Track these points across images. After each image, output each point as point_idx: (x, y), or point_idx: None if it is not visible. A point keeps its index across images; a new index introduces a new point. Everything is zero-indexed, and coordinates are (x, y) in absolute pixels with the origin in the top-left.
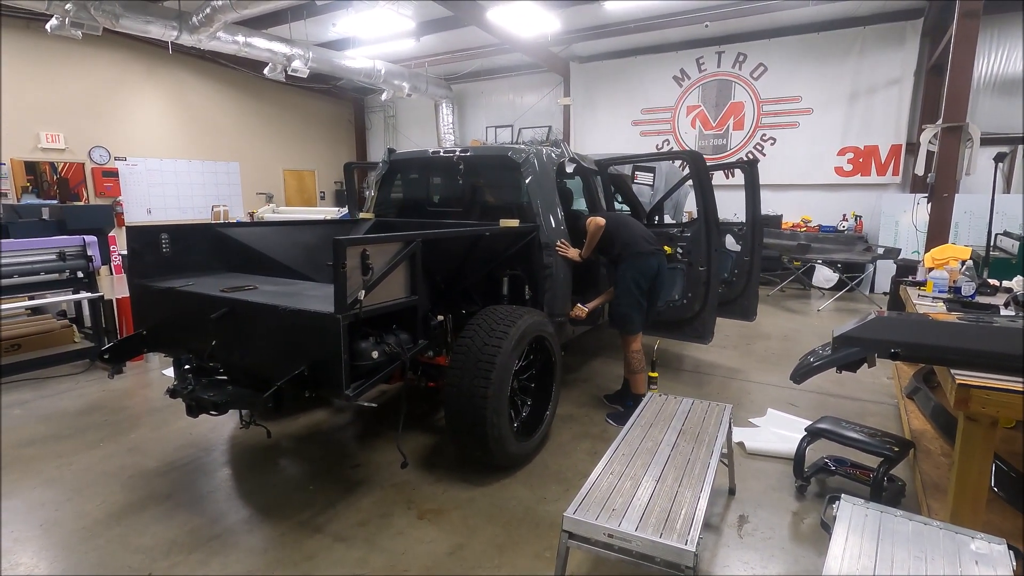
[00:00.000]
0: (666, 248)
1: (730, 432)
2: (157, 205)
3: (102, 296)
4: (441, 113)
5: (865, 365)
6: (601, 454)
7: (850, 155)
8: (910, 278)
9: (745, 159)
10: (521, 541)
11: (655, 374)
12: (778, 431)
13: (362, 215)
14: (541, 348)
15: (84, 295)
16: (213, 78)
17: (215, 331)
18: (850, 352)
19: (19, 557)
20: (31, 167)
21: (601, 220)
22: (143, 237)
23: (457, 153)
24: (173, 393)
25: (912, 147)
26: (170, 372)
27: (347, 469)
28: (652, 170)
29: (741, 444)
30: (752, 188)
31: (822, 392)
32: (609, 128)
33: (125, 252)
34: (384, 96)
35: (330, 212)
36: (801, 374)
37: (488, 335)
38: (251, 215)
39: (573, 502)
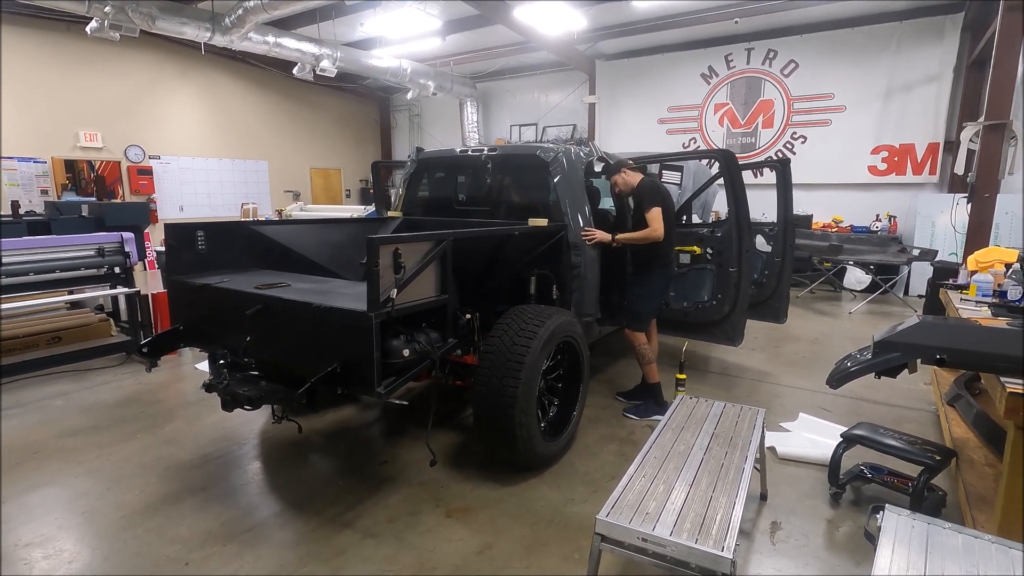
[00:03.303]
0: (695, 248)
1: (763, 437)
2: (189, 202)
3: (138, 291)
4: (466, 112)
5: (906, 371)
6: (629, 457)
7: (884, 154)
8: (951, 281)
9: (774, 158)
10: (549, 542)
11: (683, 376)
12: (810, 436)
13: (390, 214)
14: (569, 348)
15: (121, 290)
16: (243, 78)
17: (249, 327)
18: (891, 357)
19: (63, 544)
20: (70, 165)
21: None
22: (180, 234)
23: (485, 152)
24: (209, 387)
25: (951, 145)
26: (202, 367)
27: (375, 466)
28: (680, 169)
29: (772, 449)
30: (784, 188)
31: (856, 397)
32: (634, 126)
33: (159, 248)
34: (409, 95)
35: (356, 210)
36: (838, 379)
37: (517, 335)
38: (279, 213)
39: (605, 505)
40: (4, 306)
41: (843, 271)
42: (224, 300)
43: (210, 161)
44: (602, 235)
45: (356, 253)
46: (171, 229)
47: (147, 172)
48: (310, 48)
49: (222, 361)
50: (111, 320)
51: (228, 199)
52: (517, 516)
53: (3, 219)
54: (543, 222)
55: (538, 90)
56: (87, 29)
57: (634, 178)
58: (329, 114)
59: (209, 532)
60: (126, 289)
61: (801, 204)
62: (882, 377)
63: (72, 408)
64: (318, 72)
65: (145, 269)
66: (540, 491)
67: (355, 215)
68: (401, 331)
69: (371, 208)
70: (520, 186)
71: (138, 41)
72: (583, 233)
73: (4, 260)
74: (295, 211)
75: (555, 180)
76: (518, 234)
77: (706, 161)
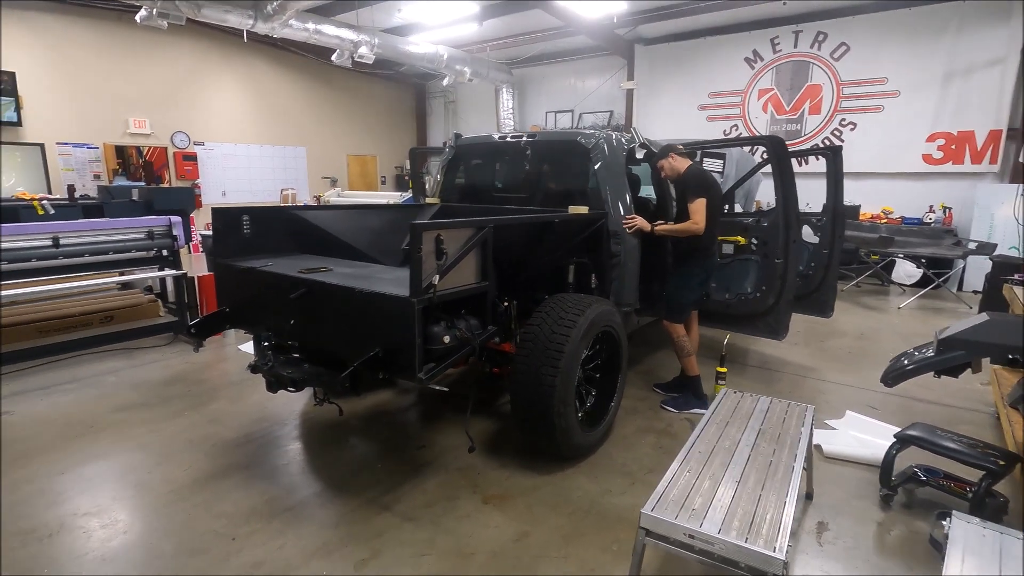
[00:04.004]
0: (739, 238)
1: (810, 435)
2: (231, 188)
3: (185, 273)
4: (501, 98)
5: (969, 370)
6: (667, 450)
7: (940, 141)
8: (1016, 276)
9: (821, 145)
10: (587, 533)
11: (724, 369)
12: (858, 435)
13: (428, 200)
14: (608, 338)
15: (170, 272)
16: (283, 65)
17: (293, 310)
18: (954, 355)
19: (117, 515)
20: (120, 151)
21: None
22: (226, 218)
23: (524, 138)
24: (254, 369)
25: (1014, 133)
26: (245, 348)
27: (412, 450)
28: (722, 156)
29: (818, 447)
30: (835, 176)
31: (906, 396)
32: (673, 113)
33: (204, 232)
34: (445, 81)
35: (392, 196)
36: (894, 376)
37: (557, 323)
38: (317, 199)
39: (650, 499)
40: (60, 286)
41: (891, 264)
42: (269, 283)
43: (251, 147)
44: (643, 223)
45: (395, 239)
46: (218, 214)
47: (192, 158)
48: (349, 35)
49: (266, 343)
50: (159, 301)
51: (268, 185)
52: (554, 505)
53: (60, 202)
54: (583, 209)
55: (574, 76)
56: (136, 17)
57: (682, 164)
58: (366, 101)
59: (253, 509)
60: (174, 271)
61: (848, 194)
62: (942, 376)
63: (124, 385)
64: (356, 58)
65: (190, 252)
66: (577, 481)
67: (392, 201)
68: (442, 317)
69: (407, 194)
70: (560, 173)
71: (183, 29)
72: (624, 221)
73: (61, 241)
74: (333, 197)
75: (596, 167)
76: (558, 222)
77: (749, 148)
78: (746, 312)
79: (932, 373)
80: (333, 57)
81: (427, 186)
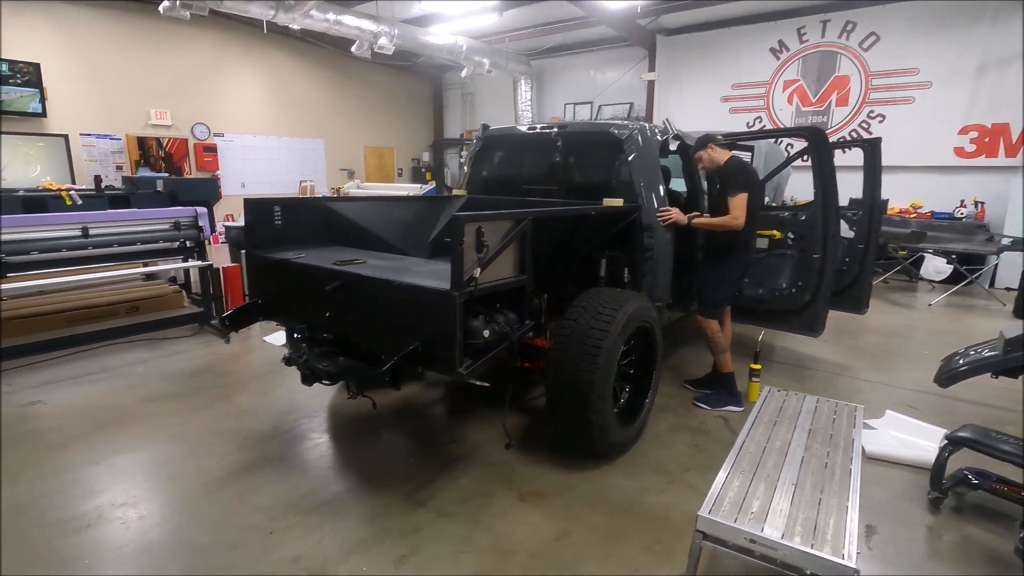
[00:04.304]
0: (775, 233)
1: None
2: (250, 179)
3: (211, 264)
4: (520, 90)
5: None
6: (703, 448)
7: (974, 134)
8: None
9: (847, 138)
10: (628, 532)
11: (758, 366)
12: (899, 435)
13: (455, 192)
14: (644, 334)
15: (196, 263)
16: (301, 57)
17: (328, 303)
18: (1018, 355)
19: (153, 506)
20: (141, 142)
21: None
22: (258, 210)
23: (555, 129)
24: (289, 361)
25: None
26: (270, 339)
27: (443, 445)
28: (750, 149)
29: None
30: (873, 169)
31: (945, 396)
32: (695, 105)
33: (227, 224)
34: (464, 73)
35: (412, 189)
36: (949, 377)
37: (594, 318)
38: (336, 191)
39: (705, 501)
40: (90, 276)
41: (920, 260)
42: (303, 275)
43: (270, 139)
44: (679, 215)
45: (422, 231)
46: (251, 205)
47: (212, 149)
48: (369, 25)
49: (298, 335)
50: (183, 292)
51: (286, 176)
52: (591, 504)
53: (87, 192)
54: (619, 202)
55: (594, 67)
56: (160, 8)
57: (722, 156)
58: (383, 93)
59: (289, 502)
60: (200, 262)
61: None
62: (999, 377)
63: (152, 375)
64: (376, 49)
65: (210, 244)
66: (613, 479)
67: (412, 193)
68: (481, 311)
69: (428, 186)
70: (591, 165)
71: (205, 20)
72: (659, 213)
73: (90, 232)
74: (352, 189)
75: (630, 158)
76: (594, 214)
77: (775, 140)
78: (781, 308)
79: (990, 374)
80: (353, 48)
81: (448, 178)
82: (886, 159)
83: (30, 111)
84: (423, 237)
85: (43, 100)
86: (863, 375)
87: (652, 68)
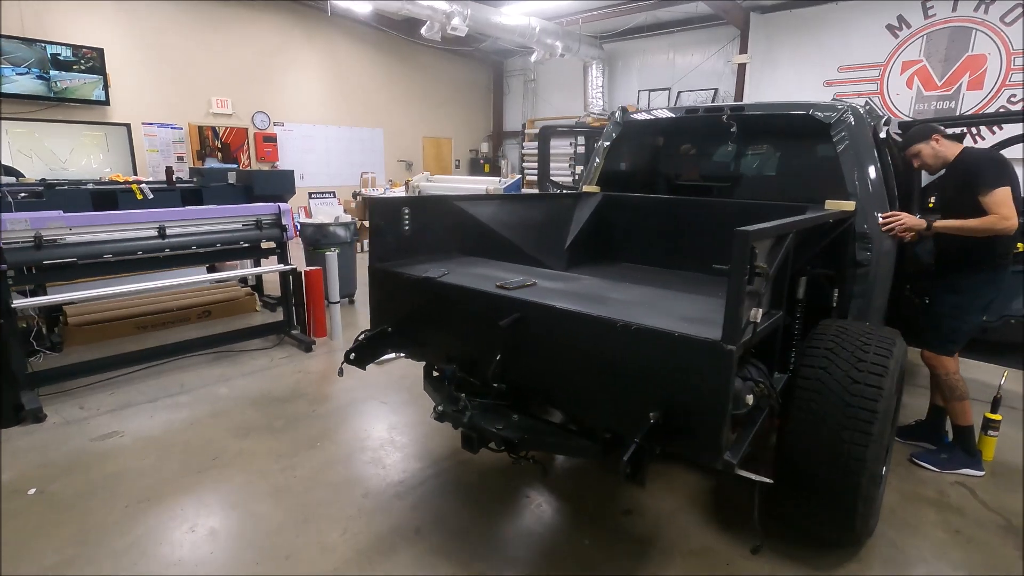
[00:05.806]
0: (1018, 245)
1: None
2: (310, 171)
3: (295, 268)
4: (590, 75)
5: None
6: (969, 537)
7: None
8: None
9: None
10: None
11: (998, 416)
12: None
13: (585, 188)
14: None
15: (278, 267)
16: (362, 42)
17: (494, 339)
18: None
19: None
20: (199, 132)
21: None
22: (386, 212)
23: (728, 112)
24: (441, 416)
25: None
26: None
27: (618, 516)
28: (959, 139)
29: None
30: None
31: None
32: (792, 90)
33: (302, 220)
34: (533, 57)
35: (490, 182)
36: None
37: (856, 368)
38: (405, 184)
39: None
40: (167, 283)
41: None
42: (453, 301)
43: (329, 128)
44: (913, 220)
45: (554, 235)
46: (377, 207)
47: (272, 139)
48: (442, 5)
49: (436, 375)
50: (255, 295)
51: (344, 168)
52: None
53: (157, 186)
54: (850, 205)
55: (673, 50)
56: None
57: (951, 149)
58: (442, 81)
59: None
60: (282, 265)
61: None
62: None
63: (238, 399)
64: (449, 31)
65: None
66: None
67: (489, 188)
68: (743, 368)
69: (507, 180)
70: (781, 156)
71: (267, 5)
72: (884, 219)
73: (168, 232)
74: (422, 183)
75: (840, 149)
76: (832, 221)
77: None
78: (1016, 340)
79: None
80: (423, 30)
81: (501, 171)
82: None
83: (94, 99)
84: (557, 243)
85: (106, 87)
86: None
87: (744, 50)
